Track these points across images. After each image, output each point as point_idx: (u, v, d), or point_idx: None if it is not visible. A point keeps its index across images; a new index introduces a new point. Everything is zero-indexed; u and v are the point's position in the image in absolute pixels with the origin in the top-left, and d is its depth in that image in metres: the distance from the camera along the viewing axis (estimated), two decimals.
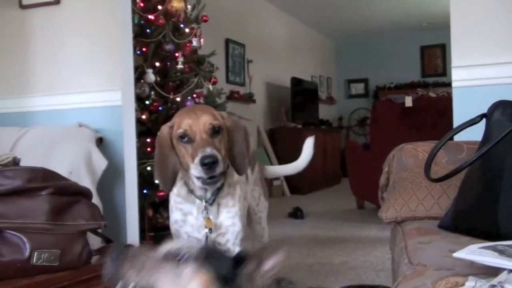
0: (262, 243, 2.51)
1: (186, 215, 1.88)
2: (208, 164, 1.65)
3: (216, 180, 1.70)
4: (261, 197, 2.39)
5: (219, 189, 1.86)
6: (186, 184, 1.85)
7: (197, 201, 1.85)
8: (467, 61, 2.63)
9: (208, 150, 1.67)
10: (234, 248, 1.92)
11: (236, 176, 1.92)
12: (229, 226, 1.89)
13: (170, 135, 1.79)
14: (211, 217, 1.84)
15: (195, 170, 1.68)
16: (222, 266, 1.02)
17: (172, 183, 1.80)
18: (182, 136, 1.74)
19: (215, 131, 1.74)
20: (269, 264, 1.04)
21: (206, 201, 1.84)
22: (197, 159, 1.67)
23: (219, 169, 1.69)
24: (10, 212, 1.38)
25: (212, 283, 0.99)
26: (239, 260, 1.05)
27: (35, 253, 1.37)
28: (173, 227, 1.92)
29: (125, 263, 1.02)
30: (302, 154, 2.63)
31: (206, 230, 1.83)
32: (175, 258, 1.01)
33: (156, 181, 3.69)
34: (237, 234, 1.91)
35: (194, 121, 1.74)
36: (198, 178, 1.70)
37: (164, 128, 1.83)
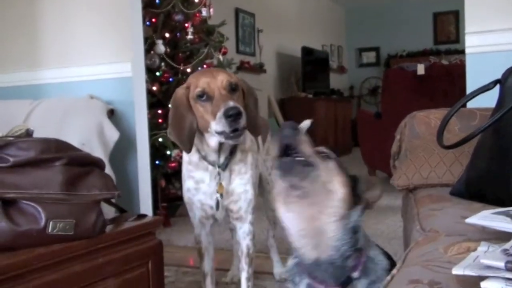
0: (274, 211, 2.52)
1: (199, 183, 1.89)
2: (233, 115, 1.65)
3: (239, 134, 1.70)
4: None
5: (232, 154, 1.86)
6: (198, 150, 1.85)
7: (210, 167, 1.85)
8: (480, 26, 2.59)
9: (231, 103, 1.67)
10: (247, 216, 1.94)
11: (248, 143, 1.93)
12: (242, 193, 1.90)
13: (187, 96, 1.78)
14: (223, 183, 1.85)
15: (218, 124, 1.68)
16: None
17: (191, 143, 1.78)
18: (200, 95, 1.74)
19: (232, 88, 1.75)
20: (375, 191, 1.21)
21: (219, 167, 1.84)
22: (220, 113, 1.66)
23: (243, 121, 1.68)
24: (25, 182, 1.40)
25: (347, 183, 1.13)
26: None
27: (51, 223, 1.39)
28: (186, 195, 1.94)
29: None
30: None
31: (218, 195, 1.84)
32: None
33: (169, 152, 3.71)
34: (249, 202, 1.92)
35: (211, 79, 1.74)
36: (221, 133, 1.70)
37: (180, 90, 1.83)
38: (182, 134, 1.78)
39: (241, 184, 1.90)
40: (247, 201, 1.92)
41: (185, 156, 1.92)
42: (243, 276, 1.99)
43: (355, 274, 1.13)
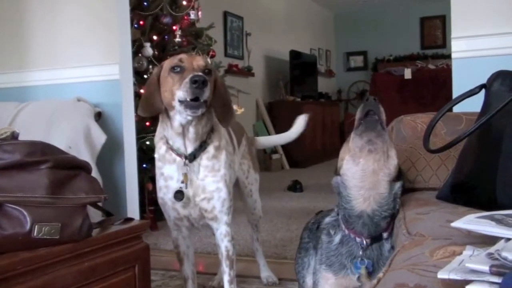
0: (256, 215, 2.52)
1: (167, 180, 1.87)
2: (198, 82, 1.66)
3: (198, 105, 1.70)
4: (250, 170, 2.38)
5: (201, 147, 1.85)
6: (166, 141, 1.85)
7: (177, 158, 1.84)
8: (467, 32, 2.61)
9: (200, 73, 1.69)
10: (222, 216, 1.91)
11: (223, 142, 1.92)
12: (214, 191, 1.87)
13: (158, 74, 1.82)
14: (193, 176, 1.84)
15: (182, 90, 1.69)
16: None
17: (152, 113, 1.87)
18: (174, 67, 1.76)
19: (205, 72, 1.76)
20: None
21: (186, 157, 1.83)
22: (187, 79, 1.68)
23: (206, 93, 1.70)
24: (10, 186, 1.38)
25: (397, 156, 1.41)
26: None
27: (36, 227, 1.38)
28: (159, 196, 1.92)
29: None
30: (294, 126, 2.62)
31: (181, 184, 1.83)
32: None
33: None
34: (223, 201, 1.89)
35: (188, 57, 1.79)
36: (182, 102, 1.70)
37: (155, 69, 1.88)
38: (148, 108, 1.83)
39: (213, 182, 1.87)
40: (220, 200, 1.88)
41: (156, 153, 1.91)
42: (225, 279, 1.98)
43: (385, 235, 1.43)
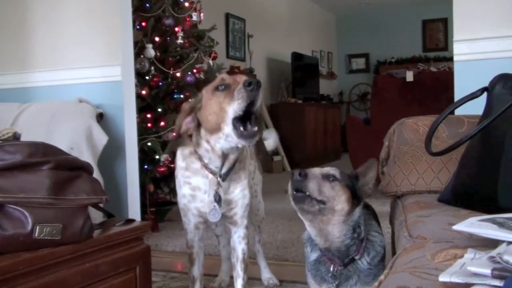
0: (259, 216, 2.52)
1: (195, 190, 1.85)
2: (253, 83, 1.57)
3: (254, 133, 1.62)
4: (256, 171, 2.39)
5: (233, 167, 1.84)
6: (200, 158, 1.81)
7: (210, 175, 1.81)
8: (468, 34, 2.61)
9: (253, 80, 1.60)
10: (242, 220, 1.93)
11: (244, 153, 1.93)
12: (240, 198, 1.89)
13: (193, 104, 1.77)
14: (221, 192, 1.82)
15: (236, 100, 1.59)
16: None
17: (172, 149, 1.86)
18: (219, 86, 1.68)
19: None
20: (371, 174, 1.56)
21: (220, 176, 1.80)
22: (239, 85, 1.60)
23: (260, 96, 1.61)
24: (12, 186, 1.38)
25: (349, 198, 1.44)
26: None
27: (37, 227, 1.37)
28: (181, 201, 1.90)
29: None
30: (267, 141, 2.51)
31: (216, 205, 1.81)
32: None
33: (157, 156, 3.70)
34: (246, 207, 1.92)
35: (229, 76, 1.72)
36: (236, 127, 1.61)
37: (192, 101, 1.83)
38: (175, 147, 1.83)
39: (240, 191, 1.89)
40: (243, 206, 1.91)
41: (180, 162, 1.88)
42: (239, 283, 1.96)
43: (357, 256, 1.48)
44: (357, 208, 1.47)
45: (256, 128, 1.63)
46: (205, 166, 1.81)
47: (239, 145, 1.70)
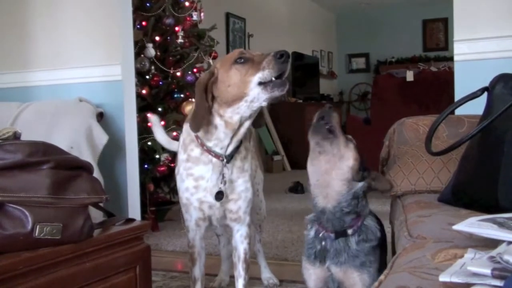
0: (260, 215, 2.51)
1: (198, 180, 1.83)
2: (285, 55, 1.61)
3: (284, 81, 1.65)
4: (258, 170, 2.37)
5: (237, 148, 1.82)
6: (202, 144, 1.80)
7: (214, 159, 1.80)
8: (469, 34, 2.61)
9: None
10: (245, 217, 1.91)
11: (250, 142, 1.92)
12: (243, 191, 1.87)
13: (206, 82, 1.74)
14: (226, 175, 1.81)
15: (267, 69, 1.62)
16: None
17: (202, 126, 1.74)
18: (237, 60, 1.69)
19: None
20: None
21: (225, 157, 1.79)
22: (269, 57, 1.63)
23: (288, 67, 1.66)
24: (12, 186, 1.38)
25: (358, 159, 1.50)
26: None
27: (37, 227, 1.37)
28: (184, 196, 1.88)
29: None
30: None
31: (221, 185, 1.80)
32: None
33: (157, 156, 3.70)
34: (249, 202, 1.89)
35: (245, 50, 1.73)
36: (265, 84, 1.64)
37: (201, 78, 1.78)
38: (200, 123, 1.74)
39: (243, 182, 1.86)
40: (246, 200, 1.88)
41: (182, 155, 1.86)
42: (240, 283, 1.95)
43: (350, 231, 1.51)
44: (361, 183, 1.52)
45: (286, 77, 1.66)
46: (208, 151, 1.79)
47: (264, 103, 1.70)
